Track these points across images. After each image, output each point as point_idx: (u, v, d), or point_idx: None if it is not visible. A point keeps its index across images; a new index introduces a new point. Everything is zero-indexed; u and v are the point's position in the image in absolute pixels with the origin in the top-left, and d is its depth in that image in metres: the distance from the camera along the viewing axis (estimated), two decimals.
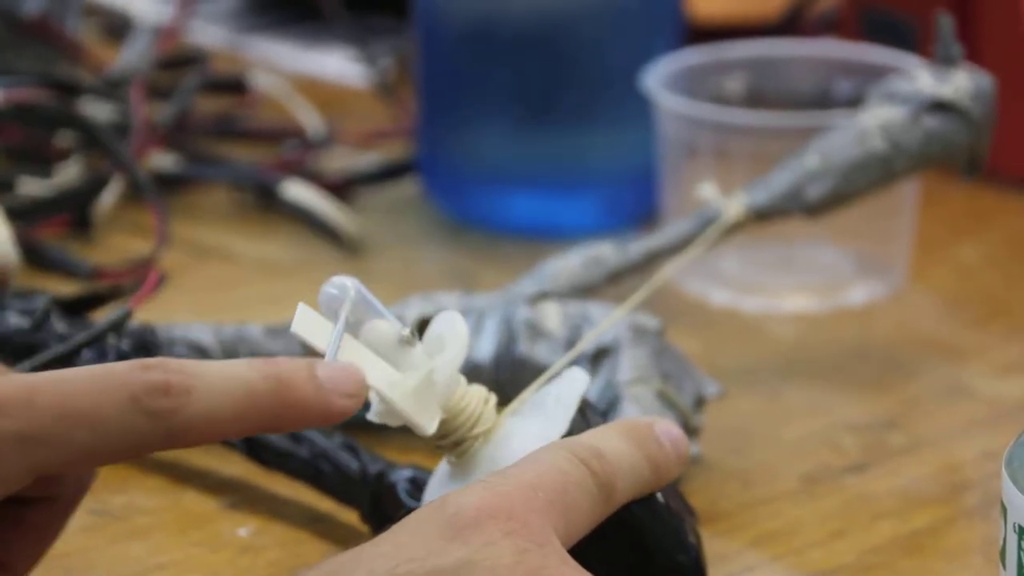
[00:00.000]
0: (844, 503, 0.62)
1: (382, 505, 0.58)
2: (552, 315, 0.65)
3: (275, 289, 0.79)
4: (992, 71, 0.87)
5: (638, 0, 0.83)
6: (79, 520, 0.60)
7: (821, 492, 0.63)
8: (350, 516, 0.60)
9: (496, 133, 0.84)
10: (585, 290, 0.67)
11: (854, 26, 0.94)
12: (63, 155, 0.86)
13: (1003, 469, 0.48)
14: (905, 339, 0.74)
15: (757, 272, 0.79)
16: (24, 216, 0.81)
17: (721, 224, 0.67)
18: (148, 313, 0.69)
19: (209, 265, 0.82)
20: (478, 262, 0.81)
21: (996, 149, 0.73)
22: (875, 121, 0.68)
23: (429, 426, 0.51)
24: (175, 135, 0.88)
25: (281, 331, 0.66)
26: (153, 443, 0.47)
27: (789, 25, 0.97)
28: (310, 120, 0.92)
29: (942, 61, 0.69)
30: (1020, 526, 0.46)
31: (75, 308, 0.67)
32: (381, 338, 0.51)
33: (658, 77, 0.79)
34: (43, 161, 0.85)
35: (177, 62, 0.95)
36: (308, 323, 0.50)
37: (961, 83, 0.68)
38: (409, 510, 0.53)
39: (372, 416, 0.51)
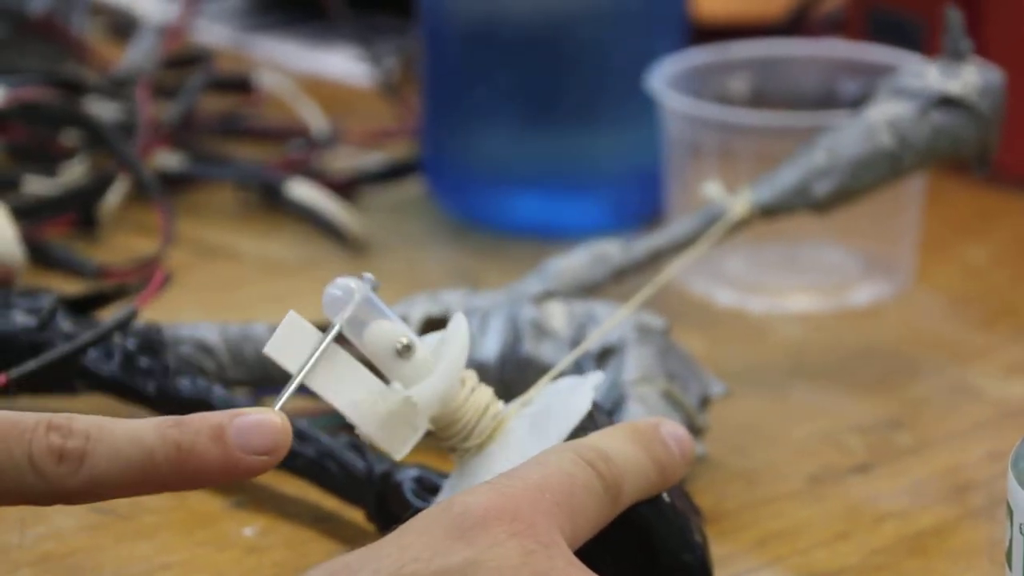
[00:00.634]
0: (849, 504, 0.62)
1: (388, 504, 0.58)
2: (557, 314, 0.65)
3: (280, 288, 0.79)
4: (999, 69, 0.87)
5: (643, 0, 0.83)
6: (85, 519, 0.60)
7: (826, 492, 0.63)
8: (356, 515, 0.60)
9: (501, 133, 0.84)
10: (590, 288, 0.67)
11: (860, 26, 0.94)
12: (68, 154, 0.86)
13: (1009, 470, 0.48)
14: (911, 339, 0.74)
15: (762, 272, 0.79)
16: (29, 215, 0.81)
17: (727, 221, 0.67)
18: (154, 312, 0.69)
19: (214, 264, 0.82)
20: (482, 262, 0.81)
21: (1002, 149, 0.73)
22: (883, 117, 0.68)
23: (399, 452, 0.50)
24: (180, 134, 0.88)
25: None
26: (42, 500, 0.49)
27: (794, 25, 0.97)
28: (315, 119, 0.92)
29: (951, 56, 0.68)
30: None
31: (81, 307, 0.67)
32: (381, 343, 0.51)
33: (663, 77, 0.79)
34: (48, 160, 0.85)
35: (182, 61, 0.95)
36: (293, 335, 0.50)
37: (970, 78, 0.67)
38: (416, 510, 0.53)
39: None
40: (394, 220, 0.85)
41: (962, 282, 0.79)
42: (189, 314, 0.73)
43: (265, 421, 0.48)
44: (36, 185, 0.84)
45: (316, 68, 1.02)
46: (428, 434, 0.52)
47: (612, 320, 0.62)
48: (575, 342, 0.63)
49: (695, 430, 0.62)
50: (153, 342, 0.64)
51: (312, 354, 0.49)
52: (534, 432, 0.52)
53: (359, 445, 0.60)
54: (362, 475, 0.59)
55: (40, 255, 0.80)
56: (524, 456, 0.50)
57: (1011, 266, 0.76)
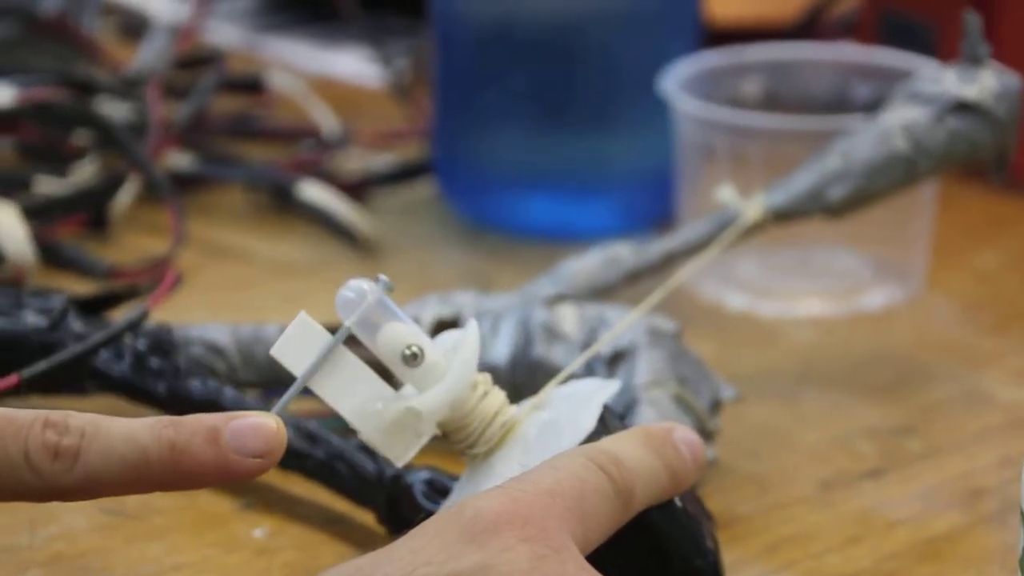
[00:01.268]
0: (861, 509, 0.62)
1: (399, 507, 0.58)
2: (569, 317, 0.64)
3: (290, 289, 0.79)
4: (1016, 74, 0.87)
5: (656, 3, 0.83)
6: (95, 520, 0.60)
7: (838, 498, 0.63)
8: (366, 518, 0.60)
9: (513, 135, 0.84)
10: (602, 291, 0.67)
11: (872, 29, 0.94)
12: (79, 154, 0.86)
13: (1023, 476, 0.47)
14: (923, 344, 0.74)
15: (774, 276, 0.79)
16: (40, 215, 0.81)
17: (739, 225, 0.67)
18: (164, 313, 0.69)
19: (224, 265, 0.81)
20: (494, 264, 0.81)
21: (1017, 154, 0.73)
22: (898, 121, 0.67)
23: (400, 459, 0.50)
24: (191, 135, 0.88)
25: None
26: (38, 496, 0.49)
27: (807, 28, 0.97)
28: (326, 120, 0.92)
29: (968, 60, 0.68)
30: None
31: (92, 307, 0.67)
32: (393, 347, 0.51)
33: (675, 80, 0.79)
34: (59, 160, 0.85)
35: (194, 62, 0.95)
36: (302, 337, 0.50)
37: (987, 83, 0.67)
38: (427, 513, 0.53)
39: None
40: (405, 222, 0.85)
41: (974, 287, 0.79)
42: (199, 315, 0.73)
43: (261, 424, 0.48)
44: (47, 185, 0.84)
45: (327, 69, 1.02)
46: (437, 436, 0.52)
47: (623, 323, 0.61)
48: (586, 345, 0.63)
49: (706, 434, 0.62)
50: (164, 343, 0.64)
51: (317, 357, 0.49)
52: (545, 438, 0.52)
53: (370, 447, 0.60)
54: (373, 477, 0.59)
55: (51, 255, 0.79)
56: (534, 462, 0.49)
57: (1022, 271, 0.76)
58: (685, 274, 0.65)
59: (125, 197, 0.84)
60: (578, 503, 0.47)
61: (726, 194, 0.68)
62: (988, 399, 0.69)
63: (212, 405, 0.62)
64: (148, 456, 0.48)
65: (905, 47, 0.88)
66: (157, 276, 0.74)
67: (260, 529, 0.61)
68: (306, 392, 0.51)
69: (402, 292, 0.53)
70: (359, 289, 0.50)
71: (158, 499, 0.62)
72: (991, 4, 0.88)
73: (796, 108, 0.81)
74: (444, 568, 0.44)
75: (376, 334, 0.51)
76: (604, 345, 0.62)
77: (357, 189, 0.86)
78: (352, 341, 0.51)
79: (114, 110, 0.88)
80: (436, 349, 0.51)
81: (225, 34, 1.05)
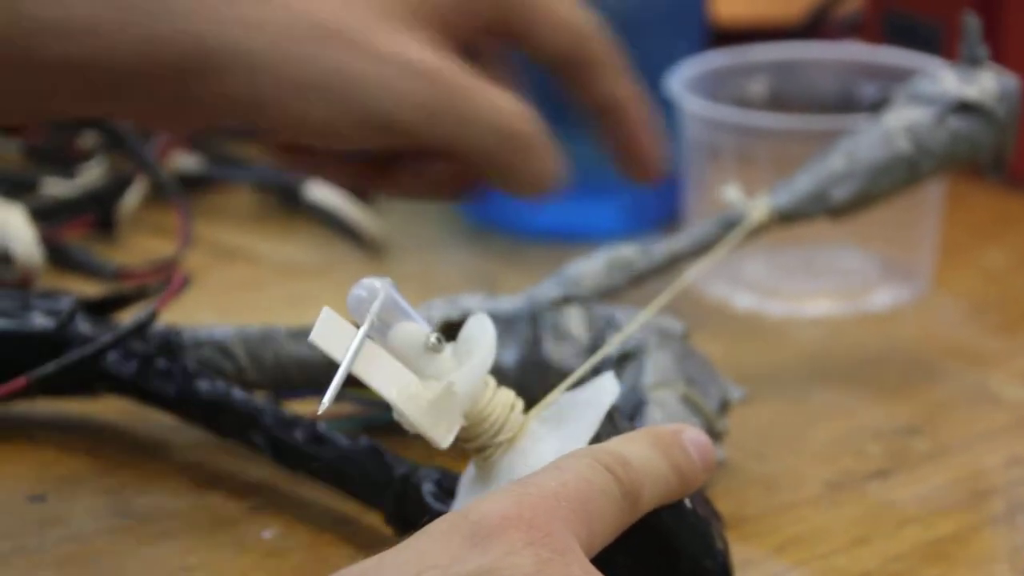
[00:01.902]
0: (868, 509, 0.62)
1: (407, 507, 0.58)
2: (576, 319, 0.65)
3: (298, 290, 0.79)
4: (1016, 73, 0.87)
5: (662, 3, 0.83)
6: (105, 521, 0.60)
7: (845, 498, 0.63)
8: (374, 519, 0.60)
9: None
10: (608, 293, 0.67)
11: (877, 29, 0.94)
12: (87, 156, 0.86)
13: None
14: (930, 344, 0.74)
15: (781, 276, 0.79)
16: (48, 217, 0.82)
17: (745, 226, 0.67)
18: (172, 314, 0.69)
19: (232, 266, 0.82)
20: (500, 265, 0.81)
21: (1021, 155, 0.73)
22: (900, 122, 0.68)
23: (445, 439, 0.51)
24: (198, 136, 0.88)
25: (306, 333, 0.65)
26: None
27: (812, 28, 0.97)
28: None
29: (968, 62, 0.68)
30: None
31: (100, 309, 0.67)
32: (408, 342, 0.51)
33: (681, 80, 0.79)
34: (67, 162, 0.85)
35: None
36: (330, 329, 0.50)
37: (987, 84, 0.68)
38: (435, 514, 0.53)
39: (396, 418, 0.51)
40: (412, 223, 0.85)
41: (981, 287, 0.79)
42: (206, 316, 0.73)
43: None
44: (54, 187, 0.84)
45: None
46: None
47: (633, 325, 0.61)
48: (594, 347, 0.63)
49: (715, 435, 0.62)
50: (172, 344, 0.64)
51: (355, 344, 0.50)
52: (555, 436, 0.52)
53: (378, 448, 0.60)
54: (381, 478, 0.59)
55: (58, 257, 0.80)
56: (545, 460, 0.50)
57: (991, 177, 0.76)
58: (691, 276, 0.65)
59: (132, 199, 0.84)
60: (583, 505, 0.47)
61: (731, 194, 0.68)
62: (995, 399, 0.69)
63: (221, 406, 0.62)
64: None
65: (909, 46, 0.88)
66: (165, 277, 0.74)
67: (269, 530, 0.61)
68: (315, 391, 0.51)
69: (408, 293, 0.53)
70: (371, 286, 0.51)
71: (167, 501, 0.62)
72: (994, 4, 0.88)
73: (801, 108, 0.81)
74: (448, 572, 0.44)
75: (389, 331, 0.51)
76: (612, 346, 0.62)
77: (364, 190, 0.87)
78: (373, 333, 0.51)
79: None
80: (448, 347, 0.52)
81: None
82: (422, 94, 0.61)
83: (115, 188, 0.84)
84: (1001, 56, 0.88)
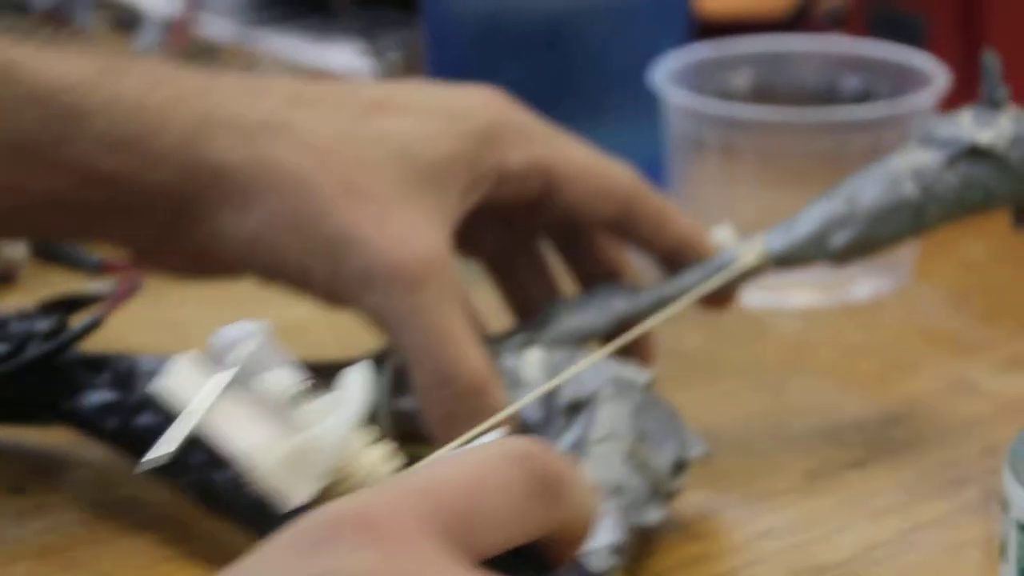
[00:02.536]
0: (846, 498, 0.62)
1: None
2: (534, 363, 0.60)
3: (261, 291, 0.79)
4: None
5: None
6: (84, 512, 0.61)
7: (823, 487, 0.63)
8: None
9: None
10: (590, 336, 0.63)
11: (862, 22, 0.94)
12: None
13: (1005, 465, 0.48)
14: (910, 335, 0.74)
15: None
16: None
17: (733, 271, 0.63)
18: (123, 318, 0.68)
19: None
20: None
21: None
22: (907, 165, 0.63)
23: (296, 497, 0.46)
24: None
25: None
26: None
27: (796, 20, 0.97)
28: None
29: (987, 103, 0.63)
30: (1021, 522, 0.46)
31: (58, 310, 0.65)
32: (274, 392, 0.47)
33: (665, 72, 0.79)
34: None
35: (187, 55, 0.95)
36: (184, 376, 0.46)
37: (1004, 127, 0.62)
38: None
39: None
40: None
41: (961, 277, 0.79)
42: (167, 315, 0.72)
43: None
44: None
45: (320, 62, 1.02)
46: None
47: (572, 369, 0.56)
48: (550, 393, 0.59)
49: (660, 495, 0.59)
50: (124, 376, 0.62)
51: (205, 394, 0.46)
52: None
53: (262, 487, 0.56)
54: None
55: (42, 249, 0.80)
56: None
57: (1010, 261, 0.76)
58: (656, 321, 0.61)
59: None
60: (465, 500, 0.41)
61: (723, 236, 0.64)
62: (974, 389, 0.69)
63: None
64: None
65: (894, 39, 0.88)
66: (122, 281, 0.73)
67: None
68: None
69: None
70: (241, 331, 0.47)
71: (146, 492, 0.62)
72: (975, 3, 0.88)
73: (786, 100, 0.81)
74: None
75: (255, 379, 0.47)
76: (565, 393, 0.58)
77: None
78: (234, 382, 0.48)
79: None
80: (320, 398, 0.47)
81: (218, 28, 1.05)
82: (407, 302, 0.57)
83: None
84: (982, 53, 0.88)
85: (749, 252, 0.63)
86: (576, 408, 0.59)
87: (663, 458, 0.58)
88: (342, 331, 0.65)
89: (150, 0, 1.03)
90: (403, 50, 0.99)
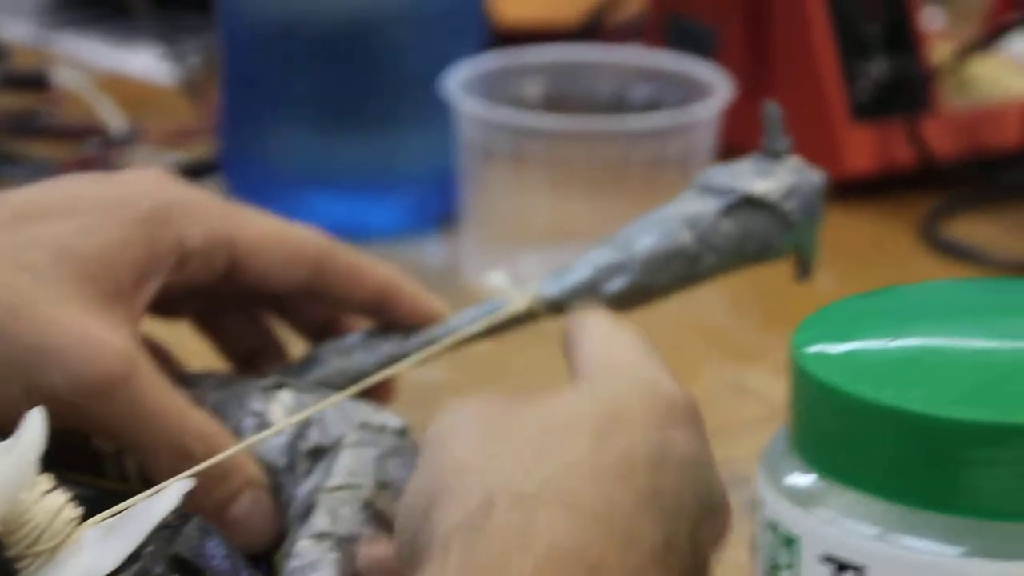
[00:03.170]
0: None
1: None
2: (282, 408, 0.58)
3: None
4: (782, 85, 0.89)
5: (440, 4, 0.84)
6: None
7: None
8: None
9: (299, 134, 0.85)
10: (357, 377, 0.61)
11: (658, 33, 0.96)
12: None
13: (757, 466, 0.49)
14: (691, 338, 0.76)
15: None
16: None
17: (503, 315, 0.61)
18: None
19: None
20: None
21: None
22: (683, 213, 0.61)
23: None
24: None
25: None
26: None
27: (591, 31, 0.98)
28: (113, 118, 0.92)
29: (768, 153, 0.62)
30: (771, 521, 0.48)
31: None
32: None
33: (458, 81, 0.80)
34: None
35: None
36: None
37: (782, 177, 0.61)
38: None
39: None
40: None
41: (742, 284, 0.80)
42: None
43: None
44: None
45: (120, 66, 1.01)
46: None
47: (303, 412, 0.56)
48: (296, 438, 0.58)
49: None
50: None
51: None
52: (98, 547, 0.47)
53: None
54: None
55: None
56: (96, 564, 0.46)
57: (787, 270, 0.77)
58: (405, 365, 0.60)
59: None
60: None
61: (498, 279, 0.63)
62: (749, 393, 0.71)
63: None
64: None
65: (689, 50, 0.90)
66: None
67: None
68: None
69: None
70: None
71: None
72: (763, 13, 0.90)
73: (578, 109, 0.83)
74: None
75: None
76: (310, 438, 0.57)
77: None
78: None
79: None
80: None
81: (14, 30, 1.04)
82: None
83: None
84: (770, 67, 0.90)
85: (521, 297, 0.62)
86: (318, 454, 0.57)
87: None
88: None
89: None
90: (203, 55, 0.99)
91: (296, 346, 0.64)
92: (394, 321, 0.61)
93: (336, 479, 0.56)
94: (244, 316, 0.62)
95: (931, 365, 0.46)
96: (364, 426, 0.57)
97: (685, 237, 0.61)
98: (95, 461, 0.59)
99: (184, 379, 0.60)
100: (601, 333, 0.55)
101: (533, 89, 0.83)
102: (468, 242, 0.81)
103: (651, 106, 0.82)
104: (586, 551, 0.47)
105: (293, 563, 0.54)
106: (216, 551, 0.50)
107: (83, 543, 0.47)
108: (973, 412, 0.43)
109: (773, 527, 0.48)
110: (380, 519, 0.55)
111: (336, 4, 0.83)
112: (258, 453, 0.57)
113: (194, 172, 0.89)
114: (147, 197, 0.57)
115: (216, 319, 0.62)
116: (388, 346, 0.62)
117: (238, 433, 0.58)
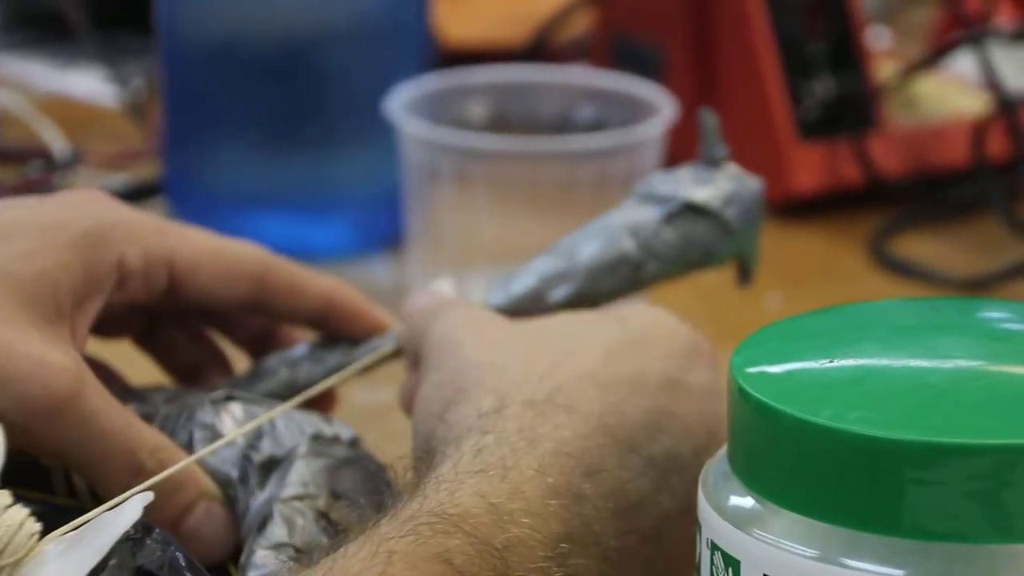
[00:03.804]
0: None
1: None
2: (230, 419, 0.58)
3: None
4: (728, 105, 0.89)
5: (382, 24, 0.84)
6: None
7: None
8: None
9: (242, 155, 0.84)
10: (307, 388, 0.61)
11: (604, 53, 0.95)
12: None
13: (699, 487, 0.49)
14: None
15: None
16: None
17: None
18: None
19: None
20: None
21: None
22: (625, 221, 0.62)
23: None
24: None
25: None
26: None
27: (536, 51, 0.98)
28: (55, 140, 0.91)
29: (706, 161, 0.63)
30: (712, 542, 0.48)
31: None
32: None
33: (402, 101, 0.80)
34: None
35: None
36: None
37: (720, 185, 0.62)
38: None
39: None
40: None
41: (693, 303, 0.80)
42: None
43: None
44: None
45: (63, 88, 1.01)
46: None
47: (254, 423, 0.56)
48: (249, 449, 0.58)
49: None
50: None
51: None
52: (61, 560, 0.47)
53: None
54: None
55: None
56: (67, 572, 0.46)
57: (737, 289, 0.77)
58: (351, 372, 0.60)
59: None
60: None
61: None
62: None
63: None
64: None
65: (635, 70, 0.90)
66: None
67: None
68: None
69: None
70: None
71: None
72: (708, 30, 0.90)
73: (522, 130, 0.82)
74: None
75: None
76: (263, 450, 0.57)
77: None
78: None
79: None
80: None
81: None
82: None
83: None
84: (716, 87, 0.90)
85: None
86: (271, 465, 0.57)
87: (360, 518, 0.55)
88: None
89: None
90: (147, 76, 0.98)
91: (240, 359, 0.63)
92: (338, 333, 0.61)
93: (291, 489, 0.56)
94: (185, 332, 0.62)
95: (871, 385, 0.46)
96: (316, 437, 0.57)
97: (628, 245, 0.62)
98: (43, 476, 0.59)
99: (132, 394, 0.60)
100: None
101: (477, 109, 0.83)
102: (414, 262, 0.81)
103: (596, 126, 0.82)
104: (585, 454, 0.51)
105: (252, 574, 0.54)
106: (179, 563, 0.50)
107: (45, 557, 0.47)
108: (913, 432, 0.43)
109: (714, 549, 0.47)
110: (336, 529, 0.56)
111: (278, 24, 0.82)
112: (210, 465, 0.58)
113: (137, 194, 0.88)
114: (85, 218, 0.57)
115: (157, 336, 0.62)
116: (336, 357, 0.62)
117: (189, 446, 0.58)
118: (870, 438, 0.43)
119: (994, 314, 0.50)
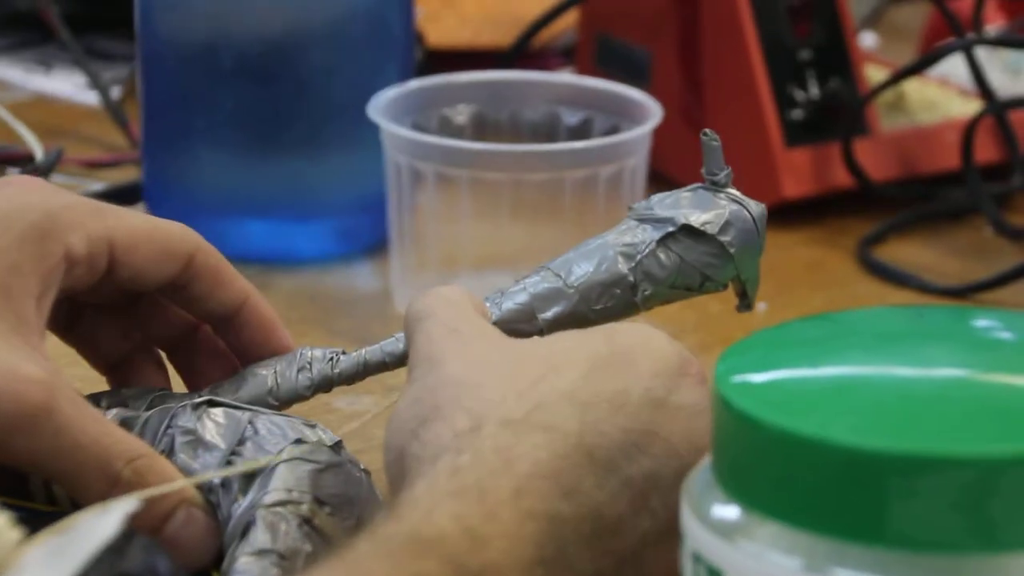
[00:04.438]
0: None
1: None
2: (211, 424, 0.59)
3: None
4: (716, 110, 0.89)
5: (365, 27, 0.83)
6: None
7: None
8: None
9: (223, 159, 0.83)
10: (296, 397, 0.62)
11: (590, 56, 0.95)
12: None
13: (682, 498, 0.48)
14: None
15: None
16: None
17: None
18: None
19: None
20: None
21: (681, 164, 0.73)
22: (619, 242, 0.61)
23: None
24: None
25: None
26: None
27: (519, 54, 0.97)
28: (33, 144, 0.90)
29: (707, 184, 0.62)
30: (696, 553, 0.47)
31: None
32: None
33: (385, 105, 0.79)
34: None
35: None
36: None
37: (721, 208, 0.61)
38: None
39: None
40: None
41: (680, 312, 0.80)
42: None
43: None
44: None
45: (43, 90, 1.00)
46: None
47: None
48: (231, 454, 0.58)
49: None
50: None
51: None
52: (42, 568, 0.47)
53: None
54: None
55: None
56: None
57: (722, 299, 0.77)
58: (336, 383, 0.61)
59: None
60: None
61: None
62: None
63: None
64: None
65: (621, 73, 0.89)
66: None
67: None
68: None
69: None
70: None
71: None
72: (694, 34, 0.89)
73: (507, 133, 0.82)
74: None
75: None
76: (245, 455, 0.57)
77: None
78: None
79: None
80: None
81: None
82: None
83: None
84: (704, 91, 0.89)
85: None
86: (256, 470, 0.57)
87: (347, 522, 0.57)
88: None
89: None
90: (127, 80, 0.98)
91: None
92: (243, 339, 0.62)
93: (273, 495, 0.56)
94: (110, 323, 0.62)
95: (856, 395, 0.45)
96: (299, 442, 0.57)
97: (622, 266, 0.61)
98: (21, 483, 0.59)
99: (112, 398, 0.60)
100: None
101: (462, 113, 0.82)
102: (398, 267, 0.80)
103: (581, 130, 0.81)
104: (562, 475, 0.50)
105: None
106: (161, 570, 0.50)
107: (27, 564, 0.47)
108: (898, 443, 0.42)
109: (697, 559, 0.47)
110: (319, 535, 0.56)
111: (260, 26, 0.81)
112: (192, 472, 0.58)
113: (117, 198, 0.87)
114: (29, 211, 0.57)
115: (82, 327, 0.62)
116: (318, 365, 0.62)
117: (170, 451, 0.58)
118: (855, 449, 0.42)
119: (982, 323, 0.49)
